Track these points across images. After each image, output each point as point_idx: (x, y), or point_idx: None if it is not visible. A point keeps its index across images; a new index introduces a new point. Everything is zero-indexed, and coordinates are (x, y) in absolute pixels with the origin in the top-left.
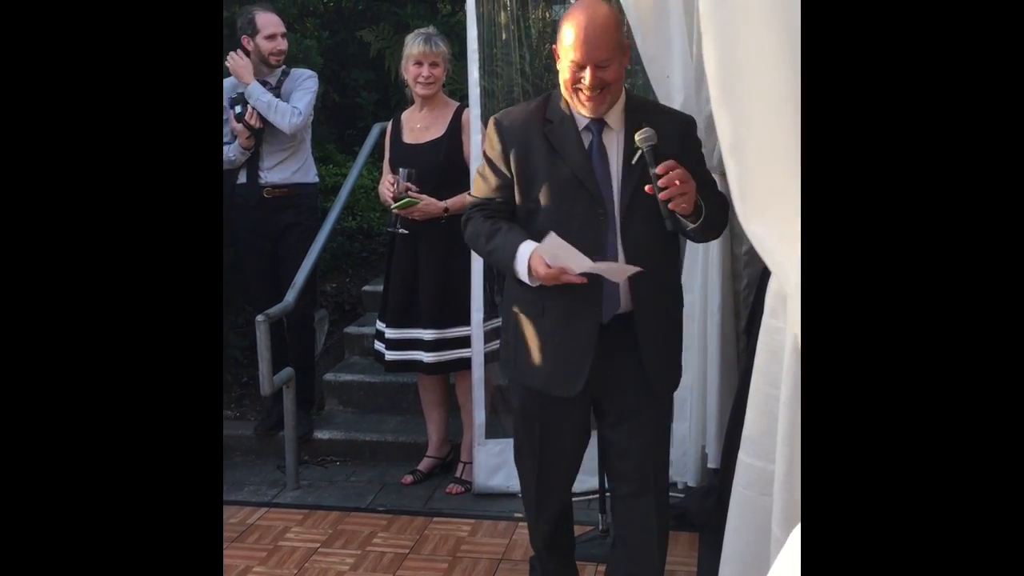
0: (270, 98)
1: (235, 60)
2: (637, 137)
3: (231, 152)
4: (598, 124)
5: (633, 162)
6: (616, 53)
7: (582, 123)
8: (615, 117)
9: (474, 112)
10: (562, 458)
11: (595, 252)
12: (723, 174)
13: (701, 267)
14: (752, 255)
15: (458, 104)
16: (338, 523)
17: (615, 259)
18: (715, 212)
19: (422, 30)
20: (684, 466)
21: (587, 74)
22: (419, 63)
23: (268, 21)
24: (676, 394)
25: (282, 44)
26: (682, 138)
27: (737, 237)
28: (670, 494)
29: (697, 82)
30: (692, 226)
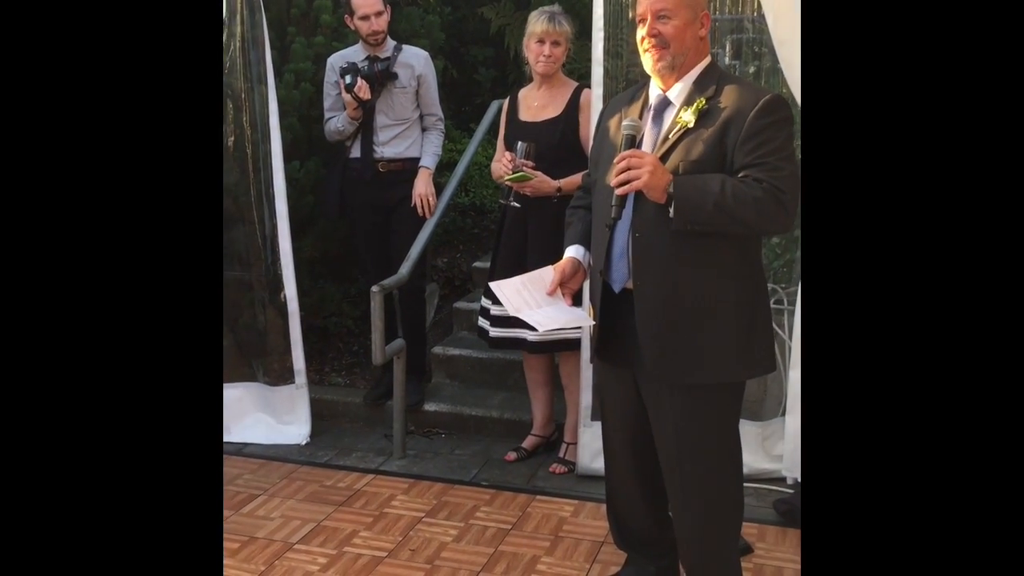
0: (430, 159)
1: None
2: (622, 124)
3: (339, 123)
4: (662, 102)
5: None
6: (680, 9)
7: (653, 100)
8: (677, 93)
9: (596, 92)
10: (614, 431)
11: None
12: None
13: None
14: None
15: (577, 84)
16: (442, 494)
17: (626, 238)
18: (708, 199)
19: (546, 8)
20: (795, 462)
21: (647, 25)
22: (541, 41)
23: (362, 2)
24: (789, 388)
25: (376, 24)
26: (752, 117)
27: None
28: (779, 488)
29: None
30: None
